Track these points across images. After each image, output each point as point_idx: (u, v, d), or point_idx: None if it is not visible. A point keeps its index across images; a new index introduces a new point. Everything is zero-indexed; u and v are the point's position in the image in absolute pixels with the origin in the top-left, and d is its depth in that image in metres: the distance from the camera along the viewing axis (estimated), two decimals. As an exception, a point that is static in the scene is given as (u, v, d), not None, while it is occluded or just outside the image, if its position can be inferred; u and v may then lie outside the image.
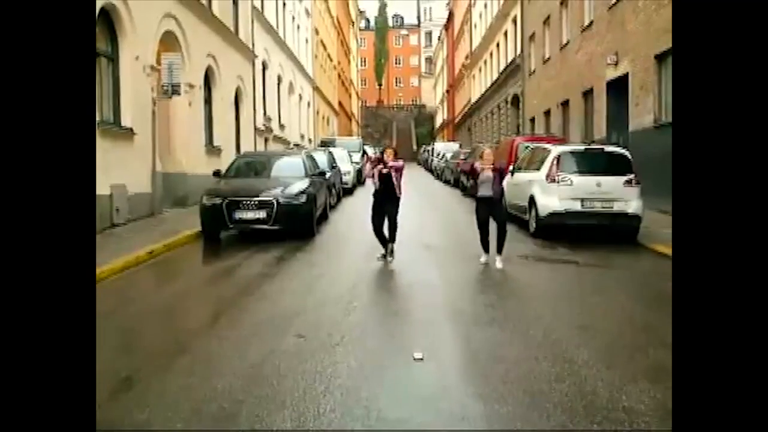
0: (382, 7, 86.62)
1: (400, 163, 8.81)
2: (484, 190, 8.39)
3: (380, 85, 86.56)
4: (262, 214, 10.22)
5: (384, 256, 8.71)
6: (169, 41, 14.42)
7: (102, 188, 10.80)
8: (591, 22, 18.24)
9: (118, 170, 11.52)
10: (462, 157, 22.34)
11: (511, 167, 12.58)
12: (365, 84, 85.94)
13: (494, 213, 8.46)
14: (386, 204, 8.76)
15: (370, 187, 8.97)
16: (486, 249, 8.48)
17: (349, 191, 19.62)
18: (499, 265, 8.18)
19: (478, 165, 8.54)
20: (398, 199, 8.82)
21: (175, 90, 13.04)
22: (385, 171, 8.63)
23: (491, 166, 8.42)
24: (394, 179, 8.68)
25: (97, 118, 10.93)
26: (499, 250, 8.30)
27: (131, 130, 12.22)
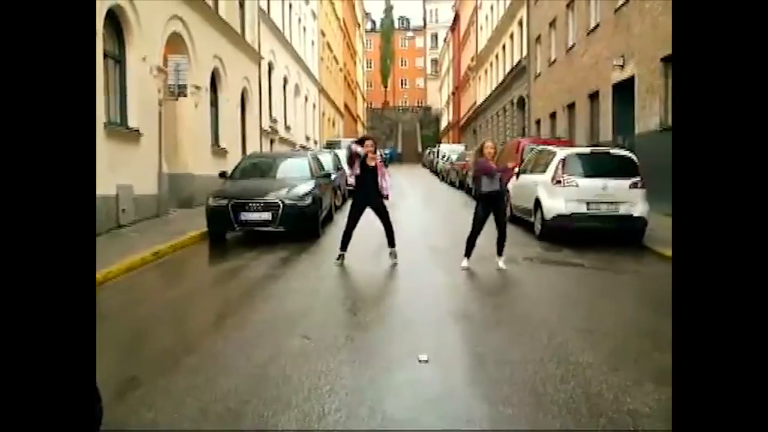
0: (388, 9, 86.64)
1: (378, 159, 8.66)
2: (489, 186, 8.13)
3: (386, 86, 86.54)
4: (267, 216, 10.25)
5: (340, 258, 8.51)
6: (175, 42, 14.48)
7: (108, 189, 10.85)
8: (597, 25, 18.22)
9: (125, 171, 11.57)
10: (467, 159, 22.32)
11: (516, 169, 12.56)
12: (371, 86, 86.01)
13: (498, 212, 8.24)
14: (371, 204, 8.56)
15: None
16: (469, 252, 8.25)
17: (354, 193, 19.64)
18: (503, 265, 8.15)
19: (482, 161, 8.24)
20: (383, 197, 8.56)
21: (181, 91, 13.09)
22: (372, 163, 8.44)
23: (505, 165, 8.24)
24: (380, 175, 8.50)
25: (104, 119, 10.99)
26: (500, 252, 8.25)
27: (138, 130, 12.27)
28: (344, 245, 8.60)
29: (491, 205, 8.21)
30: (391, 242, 8.66)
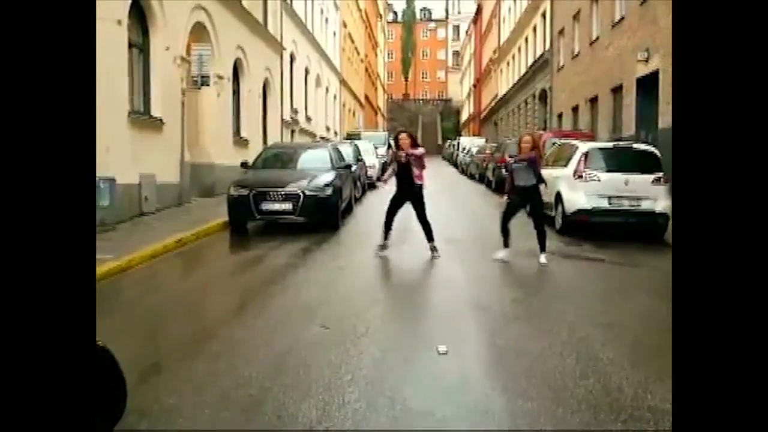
0: (410, 0, 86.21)
1: (420, 150, 8.51)
2: (520, 180, 8.14)
3: (406, 78, 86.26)
4: (288, 206, 10.30)
5: (382, 247, 8.53)
6: (199, 32, 14.57)
7: (131, 177, 10.98)
8: (622, 18, 17.97)
9: (147, 159, 11.69)
10: (488, 151, 22.17)
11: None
12: (391, 77, 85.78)
13: (532, 206, 8.24)
14: (407, 198, 8.51)
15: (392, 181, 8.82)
16: (506, 242, 8.21)
17: (373, 184, 19.66)
18: (544, 260, 8.03)
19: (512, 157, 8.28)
20: (420, 188, 8.47)
21: (204, 81, 13.19)
22: (403, 159, 8.38)
23: (528, 155, 8.13)
24: (413, 168, 8.39)
25: (128, 108, 11.11)
26: (543, 248, 8.12)
27: (161, 120, 12.39)
28: (386, 232, 8.61)
29: (525, 197, 8.21)
30: (429, 237, 8.54)
